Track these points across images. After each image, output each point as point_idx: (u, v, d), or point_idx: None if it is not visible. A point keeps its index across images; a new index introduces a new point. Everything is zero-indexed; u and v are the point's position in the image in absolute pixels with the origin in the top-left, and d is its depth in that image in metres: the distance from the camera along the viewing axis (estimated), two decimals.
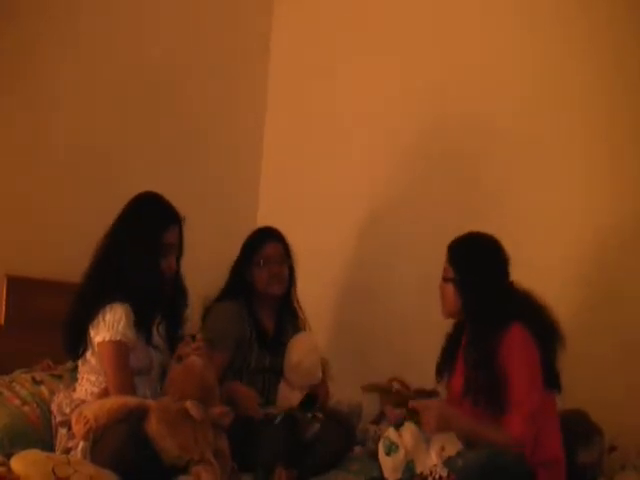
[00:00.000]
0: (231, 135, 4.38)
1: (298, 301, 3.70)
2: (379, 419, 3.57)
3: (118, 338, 2.93)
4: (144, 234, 3.04)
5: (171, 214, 3.11)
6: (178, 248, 3.15)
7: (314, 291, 3.90)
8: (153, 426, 2.71)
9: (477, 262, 3.02)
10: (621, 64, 3.53)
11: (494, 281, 2.99)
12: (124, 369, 2.95)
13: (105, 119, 3.84)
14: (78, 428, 2.72)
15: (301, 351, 3.51)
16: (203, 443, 2.76)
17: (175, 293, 3.15)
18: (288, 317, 3.66)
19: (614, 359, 3.44)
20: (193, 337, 3.05)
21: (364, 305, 4.13)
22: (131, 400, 2.80)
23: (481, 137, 3.84)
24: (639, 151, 3.49)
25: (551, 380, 2.94)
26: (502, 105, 3.78)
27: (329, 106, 4.34)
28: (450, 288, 3.04)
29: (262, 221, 4.34)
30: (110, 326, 2.94)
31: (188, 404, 2.76)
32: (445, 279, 3.06)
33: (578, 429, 3.15)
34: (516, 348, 2.87)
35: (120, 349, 2.94)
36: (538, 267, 3.53)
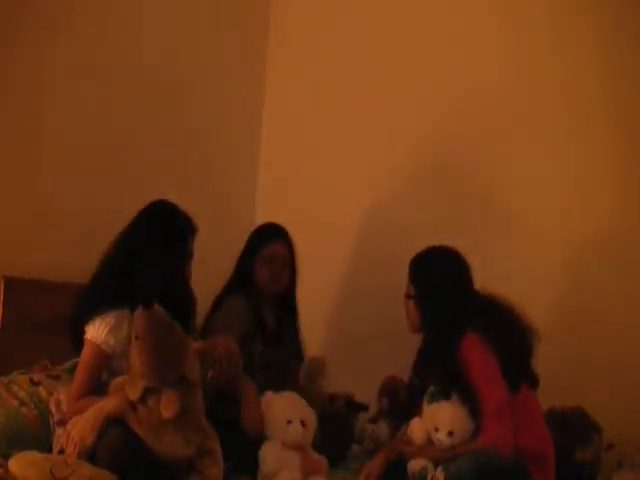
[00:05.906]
0: (229, 133, 4.39)
1: (296, 303, 3.69)
2: (377, 418, 3.58)
3: (98, 342, 2.93)
4: (176, 244, 3.07)
5: (193, 223, 3.15)
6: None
7: (314, 289, 3.91)
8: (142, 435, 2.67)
9: (433, 279, 3.04)
10: (617, 70, 3.57)
11: (451, 296, 2.99)
12: (90, 371, 2.93)
13: (104, 119, 3.84)
14: (70, 451, 2.71)
15: None
16: (192, 436, 2.72)
17: (184, 300, 3.13)
18: (287, 315, 3.66)
19: (611, 357, 3.45)
20: None
21: (363, 303, 4.13)
22: (108, 406, 2.72)
23: (480, 143, 3.87)
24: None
25: (523, 378, 2.95)
26: (496, 109, 3.81)
27: (327, 106, 4.35)
28: (411, 304, 3.07)
29: (260, 220, 4.35)
30: (96, 329, 2.94)
31: (162, 410, 2.66)
32: (407, 296, 3.09)
33: (576, 426, 3.16)
34: (469, 357, 2.88)
35: (94, 352, 2.94)
36: (532, 268, 3.55)
